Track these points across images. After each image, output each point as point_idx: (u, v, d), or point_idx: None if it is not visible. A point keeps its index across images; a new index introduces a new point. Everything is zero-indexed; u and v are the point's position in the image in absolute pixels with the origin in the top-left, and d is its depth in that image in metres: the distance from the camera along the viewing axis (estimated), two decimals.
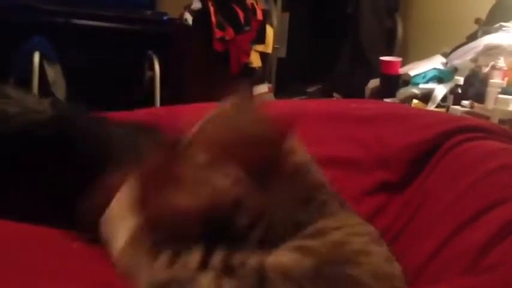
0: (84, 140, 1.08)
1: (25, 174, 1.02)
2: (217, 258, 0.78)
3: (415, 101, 2.34)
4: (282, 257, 0.79)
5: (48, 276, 0.77)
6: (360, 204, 1.13)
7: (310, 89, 3.29)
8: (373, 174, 1.20)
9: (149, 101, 2.90)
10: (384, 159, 1.20)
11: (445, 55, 2.53)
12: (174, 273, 0.76)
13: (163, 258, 0.79)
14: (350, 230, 0.90)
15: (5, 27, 2.80)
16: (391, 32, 3.22)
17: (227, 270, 0.76)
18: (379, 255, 0.87)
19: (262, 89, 3.15)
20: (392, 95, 2.46)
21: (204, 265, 0.77)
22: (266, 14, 3.14)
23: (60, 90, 2.69)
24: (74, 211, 0.88)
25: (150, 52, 3.03)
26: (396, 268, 0.87)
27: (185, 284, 0.74)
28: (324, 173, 1.23)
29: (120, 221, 0.89)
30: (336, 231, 0.88)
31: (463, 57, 2.35)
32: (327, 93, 3.13)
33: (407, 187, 1.16)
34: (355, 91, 2.69)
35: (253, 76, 3.14)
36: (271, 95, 3.15)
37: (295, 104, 1.55)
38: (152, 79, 2.96)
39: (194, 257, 0.78)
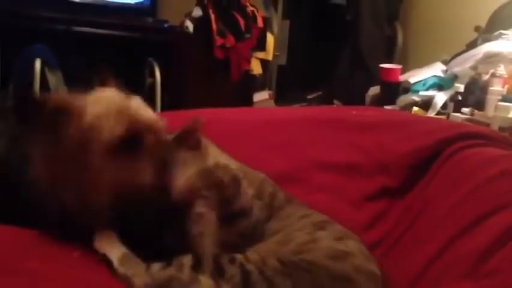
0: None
1: None
2: (207, 257, 0.80)
3: (415, 108, 2.34)
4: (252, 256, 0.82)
5: (47, 283, 0.77)
6: (361, 209, 1.14)
7: (311, 96, 3.30)
8: (373, 180, 1.21)
9: (150, 107, 2.90)
10: (385, 164, 1.21)
11: (445, 62, 2.53)
12: (173, 273, 0.77)
13: (158, 263, 0.80)
14: (292, 228, 0.94)
15: (6, 34, 2.81)
16: (391, 40, 3.23)
17: (218, 269, 0.78)
18: (326, 238, 0.90)
19: (263, 96, 3.16)
20: (392, 102, 2.47)
21: (196, 265, 0.78)
22: (267, 21, 3.15)
23: None
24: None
25: (150, 59, 3.04)
26: (350, 246, 0.89)
27: (186, 285, 0.75)
28: (324, 178, 1.24)
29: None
30: (279, 233, 0.93)
31: (463, 65, 2.35)
32: (327, 100, 3.13)
33: (408, 193, 1.16)
34: (355, 98, 2.70)
35: (253, 83, 3.15)
36: (272, 102, 3.16)
37: (295, 110, 1.56)
38: (153, 86, 2.97)
39: (187, 258, 0.79)
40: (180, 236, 0.88)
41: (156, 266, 0.80)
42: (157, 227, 0.86)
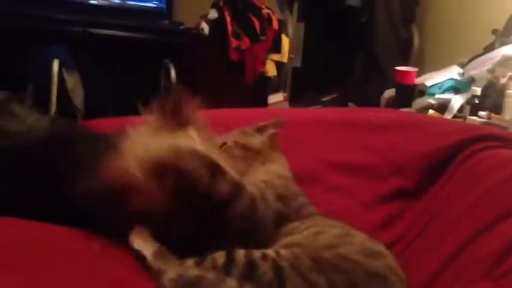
0: (79, 156, 1.10)
1: (24, 190, 1.04)
2: (240, 254, 0.80)
3: (431, 111, 2.33)
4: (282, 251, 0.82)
5: (65, 275, 0.78)
6: (375, 211, 1.13)
7: (325, 98, 3.29)
8: (388, 181, 1.20)
9: None
10: (400, 166, 1.20)
11: (462, 65, 2.51)
12: (203, 272, 0.78)
13: (191, 260, 0.81)
14: (325, 223, 0.95)
15: (24, 36, 2.86)
16: (407, 42, 3.21)
17: (249, 266, 0.78)
18: (360, 236, 0.90)
19: (277, 98, 3.17)
20: (408, 105, 2.45)
21: (228, 264, 0.79)
22: (282, 23, 3.16)
23: (78, 97, 2.73)
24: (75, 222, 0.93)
25: (166, 61, 3.06)
26: (380, 246, 0.89)
27: (213, 284, 0.75)
28: (339, 179, 1.23)
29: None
30: (310, 228, 0.92)
31: (480, 68, 2.34)
32: (341, 103, 3.12)
33: (423, 194, 1.16)
34: (369, 101, 2.69)
35: (268, 85, 3.15)
36: (286, 104, 3.16)
37: (310, 112, 1.56)
38: (168, 87, 2.99)
39: (220, 255, 0.80)
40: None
41: (188, 262, 0.81)
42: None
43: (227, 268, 0.79)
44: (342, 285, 0.77)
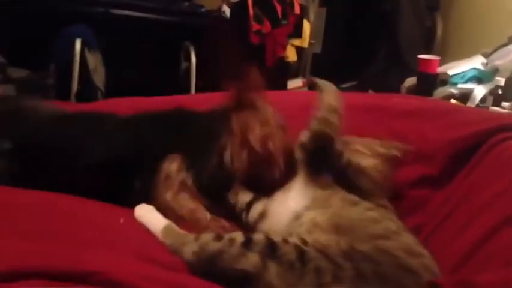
0: None
1: None
2: (259, 235, 0.80)
3: (452, 101, 2.30)
4: (320, 237, 0.82)
5: (92, 246, 0.80)
6: (400, 198, 1.13)
7: (344, 85, 3.27)
8: (413, 168, 1.20)
9: (184, 92, 2.93)
10: (425, 153, 1.20)
11: (486, 55, 2.47)
12: (223, 246, 0.78)
13: (207, 234, 0.82)
14: (387, 215, 0.94)
15: (46, 16, 2.87)
16: (430, 31, 3.17)
17: (270, 246, 0.78)
18: (410, 238, 0.91)
19: (296, 83, 3.16)
20: (429, 94, 2.43)
21: (247, 242, 0.79)
22: (303, 8, 3.14)
23: (99, 77, 2.74)
24: None
25: (187, 43, 3.06)
26: (425, 252, 0.90)
27: (235, 257, 0.76)
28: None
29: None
30: (373, 211, 0.93)
31: (505, 58, 2.30)
32: (361, 90, 3.10)
33: (448, 182, 1.15)
34: (390, 89, 2.66)
35: (288, 70, 3.14)
36: (305, 89, 3.15)
37: None
38: (188, 70, 2.99)
39: (238, 235, 0.80)
40: None
41: (206, 237, 0.82)
42: None
43: (246, 247, 0.80)
44: (369, 275, 0.78)
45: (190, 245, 0.82)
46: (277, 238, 0.81)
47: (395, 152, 1.11)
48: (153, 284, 0.65)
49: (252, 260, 0.76)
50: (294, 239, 0.82)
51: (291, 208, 0.95)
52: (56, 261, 0.69)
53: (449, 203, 1.09)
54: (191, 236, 0.84)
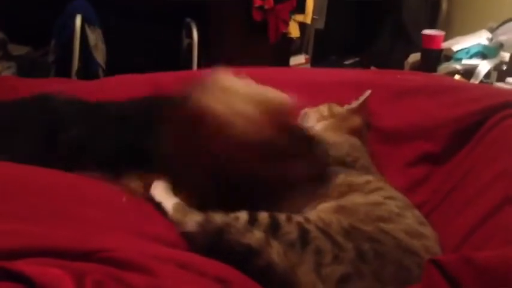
0: None
1: None
2: (263, 214, 0.80)
3: (456, 76, 2.29)
4: (323, 215, 0.82)
5: (96, 225, 0.80)
6: (401, 175, 1.13)
7: (348, 62, 3.24)
8: (415, 145, 1.20)
9: (186, 69, 2.91)
10: (428, 130, 1.20)
11: (491, 30, 2.45)
12: (230, 220, 0.78)
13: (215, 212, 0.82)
14: (388, 194, 0.93)
15: None
16: (435, 5, 3.12)
17: (274, 224, 0.79)
18: (412, 218, 0.91)
19: (299, 59, 3.13)
20: (433, 70, 2.41)
21: (252, 220, 0.79)
22: None
23: (100, 54, 2.72)
24: None
25: (188, 20, 3.03)
26: (428, 231, 0.90)
27: (241, 232, 0.76)
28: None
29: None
30: (374, 193, 0.93)
31: (510, 33, 2.28)
32: (364, 67, 3.08)
33: (450, 159, 1.15)
34: (393, 66, 2.64)
35: (290, 46, 3.11)
36: (308, 66, 3.12)
37: (336, 72, 1.54)
38: (190, 47, 2.96)
39: (243, 213, 0.81)
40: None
41: (213, 213, 0.82)
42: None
43: (251, 224, 0.80)
44: (370, 256, 0.78)
45: (195, 216, 0.82)
46: (281, 216, 0.81)
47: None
48: (158, 261, 0.66)
49: (257, 236, 0.76)
50: (297, 217, 0.82)
51: None
52: (60, 240, 0.69)
53: (451, 181, 1.09)
54: (198, 213, 0.84)
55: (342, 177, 0.98)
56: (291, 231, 0.79)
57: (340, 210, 0.87)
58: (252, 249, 0.74)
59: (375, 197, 0.92)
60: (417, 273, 0.77)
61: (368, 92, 1.23)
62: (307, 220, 0.82)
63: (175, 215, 0.86)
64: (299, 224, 0.80)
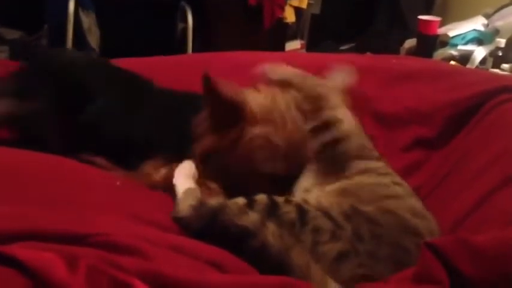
0: None
1: None
2: (261, 196, 0.80)
3: (452, 62, 2.28)
4: (324, 200, 0.82)
5: (91, 209, 0.80)
6: (398, 159, 1.13)
7: (343, 47, 3.23)
8: (410, 130, 1.20)
9: (181, 53, 2.89)
10: (423, 115, 1.19)
11: (487, 16, 2.44)
12: (224, 203, 0.78)
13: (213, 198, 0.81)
14: (396, 180, 0.93)
15: None
16: None
17: (272, 205, 0.78)
18: (417, 203, 0.90)
19: (295, 45, 3.11)
20: (429, 55, 2.40)
21: (250, 203, 0.79)
22: None
23: (94, 38, 2.69)
24: None
25: (183, 3, 3.00)
26: (430, 216, 0.89)
27: (236, 213, 0.75)
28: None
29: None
30: (385, 175, 0.92)
31: (506, 19, 2.27)
32: (360, 52, 3.06)
33: (446, 144, 1.15)
34: (389, 51, 2.63)
35: (286, 32, 3.09)
36: (304, 51, 3.11)
37: (331, 57, 1.53)
38: (184, 31, 2.94)
39: (240, 199, 0.80)
40: None
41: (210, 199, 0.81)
42: None
43: (248, 206, 0.79)
44: (366, 237, 0.78)
45: (189, 199, 0.81)
46: (279, 198, 0.81)
47: None
48: (151, 245, 0.65)
49: (252, 218, 0.76)
50: (296, 199, 0.82)
51: (301, 185, 0.94)
52: (53, 223, 0.69)
53: (447, 164, 1.09)
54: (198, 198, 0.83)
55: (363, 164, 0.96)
56: (289, 211, 0.79)
57: (342, 193, 0.86)
58: (247, 230, 0.74)
59: (385, 180, 0.91)
60: (416, 254, 0.77)
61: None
62: (306, 202, 0.82)
63: (179, 197, 0.85)
64: (298, 205, 0.80)
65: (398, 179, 0.93)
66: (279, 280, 0.65)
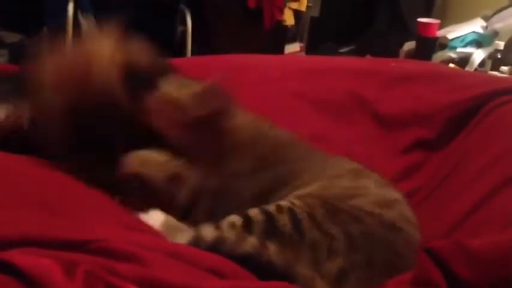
0: None
1: None
2: (255, 212, 0.80)
3: (451, 65, 2.28)
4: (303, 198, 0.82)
5: (88, 215, 0.79)
6: (396, 160, 1.13)
7: (343, 50, 3.23)
8: (409, 132, 1.20)
9: (180, 56, 2.89)
10: (423, 116, 1.20)
11: (486, 18, 2.44)
12: (222, 233, 0.77)
13: (206, 225, 0.80)
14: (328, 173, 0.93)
15: None
16: None
17: (268, 220, 0.78)
18: (372, 184, 0.89)
19: (294, 48, 3.11)
20: (428, 58, 2.40)
21: (246, 224, 0.78)
22: None
23: None
24: None
25: (182, 7, 3.00)
26: (393, 192, 0.89)
27: (235, 243, 0.75)
28: (361, 128, 1.23)
29: None
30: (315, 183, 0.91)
31: (505, 21, 2.27)
32: (360, 55, 3.06)
33: (445, 145, 1.16)
34: (389, 54, 2.63)
35: (285, 34, 3.09)
36: (303, 54, 3.11)
37: (331, 60, 1.53)
38: (184, 34, 2.94)
39: (236, 218, 0.79)
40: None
41: (205, 227, 0.79)
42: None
43: (247, 228, 0.78)
44: (358, 236, 0.77)
45: (186, 236, 0.79)
46: (271, 208, 0.80)
47: None
48: (149, 251, 0.65)
49: (251, 242, 0.75)
50: (284, 203, 0.81)
51: None
52: (52, 230, 0.68)
53: (447, 166, 1.09)
54: (189, 229, 0.82)
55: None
56: (285, 223, 0.78)
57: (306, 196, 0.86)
58: (250, 255, 0.74)
59: (321, 183, 0.90)
60: (403, 247, 0.78)
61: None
62: (293, 204, 0.81)
63: (166, 232, 0.84)
64: (290, 211, 0.79)
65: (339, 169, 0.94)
66: (279, 286, 0.65)
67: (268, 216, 0.79)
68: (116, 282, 0.54)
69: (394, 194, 0.89)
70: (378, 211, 0.82)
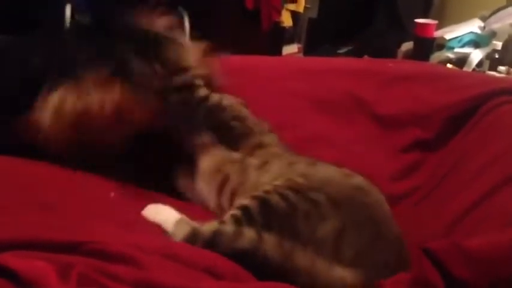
0: None
1: None
2: (247, 199, 0.83)
3: (449, 65, 2.28)
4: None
5: (84, 218, 0.79)
6: (394, 160, 1.13)
7: (341, 51, 3.22)
8: (408, 132, 1.20)
9: None
10: (420, 116, 1.19)
11: (484, 19, 2.44)
12: (220, 226, 0.77)
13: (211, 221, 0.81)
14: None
15: None
16: None
17: (264, 204, 0.81)
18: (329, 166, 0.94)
19: (292, 49, 3.11)
20: (425, 58, 2.40)
21: (245, 214, 0.79)
22: None
23: None
24: None
25: (179, 8, 3.00)
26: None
27: (231, 239, 0.75)
28: (359, 129, 1.23)
29: None
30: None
31: (503, 21, 2.27)
32: (357, 56, 3.06)
33: (444, 145, 1.16)
34: (386, 54, 2.63)
35: (283, 36, 3.09)
36: (301, 55, 3.10)
37: (329, 61, 1.53)
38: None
39: (236, 212, 0.80)
40: None
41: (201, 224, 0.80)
42: None
43: (248, 218, 0.80)
44: (338, 197, 0.82)
45: (184, 229, 0.79)
46: (259, 193, 0.83)
47: None
48: (145, 253, 0.65)
49: (248, 236, 0.75)
50: (268, 186, 0.85)
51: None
52: (47, 232, 0.68)
53: (446, 165, 1.08)
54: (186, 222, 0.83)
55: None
56: (277, 200, 0.81)
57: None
58: (246, 251, 0.74)
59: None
60: (376, 208, 0.84)
61: None
62: (277, 185, 0.85)
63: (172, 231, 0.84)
64: (275, 190, 0.83)
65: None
66: (275, 286, 0.65)
67: (261, 200, 0.82)
68: (109, 285, 0.54)
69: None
70: (343, 179, 0.88)
